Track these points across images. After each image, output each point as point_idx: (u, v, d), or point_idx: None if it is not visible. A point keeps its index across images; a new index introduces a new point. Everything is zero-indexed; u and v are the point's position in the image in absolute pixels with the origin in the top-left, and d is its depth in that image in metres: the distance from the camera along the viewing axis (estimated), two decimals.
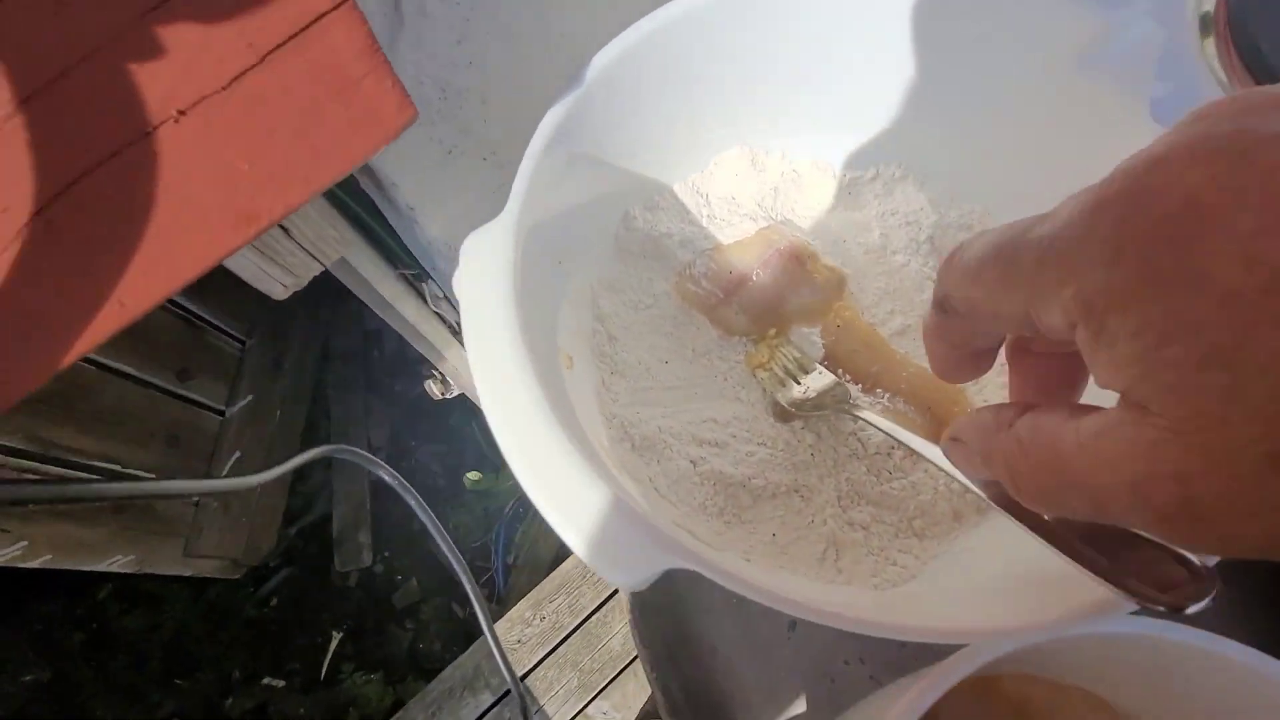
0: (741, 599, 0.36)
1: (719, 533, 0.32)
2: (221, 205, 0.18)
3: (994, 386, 0.34)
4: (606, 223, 0.36)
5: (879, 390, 0.36)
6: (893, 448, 0.33)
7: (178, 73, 0.19)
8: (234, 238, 0.18)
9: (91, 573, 1.18)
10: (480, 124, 0.35)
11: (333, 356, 1.81)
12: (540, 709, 1.22)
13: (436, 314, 0.76)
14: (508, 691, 1.24)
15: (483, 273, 0.25)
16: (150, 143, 0.17)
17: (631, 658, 1.25)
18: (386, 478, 0.47)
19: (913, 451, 0.33)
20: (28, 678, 1.23)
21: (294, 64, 0.21)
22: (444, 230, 0.38)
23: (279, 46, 0.20)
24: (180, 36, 0.20)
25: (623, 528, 0.20)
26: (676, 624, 0.35)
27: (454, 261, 0.44)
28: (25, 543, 1.08)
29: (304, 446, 1.77)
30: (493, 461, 1.68)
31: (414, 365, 1.91)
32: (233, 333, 1.50)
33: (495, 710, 1.23)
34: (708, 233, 0.38)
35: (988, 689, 0.26)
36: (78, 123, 0.17)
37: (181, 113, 0.18)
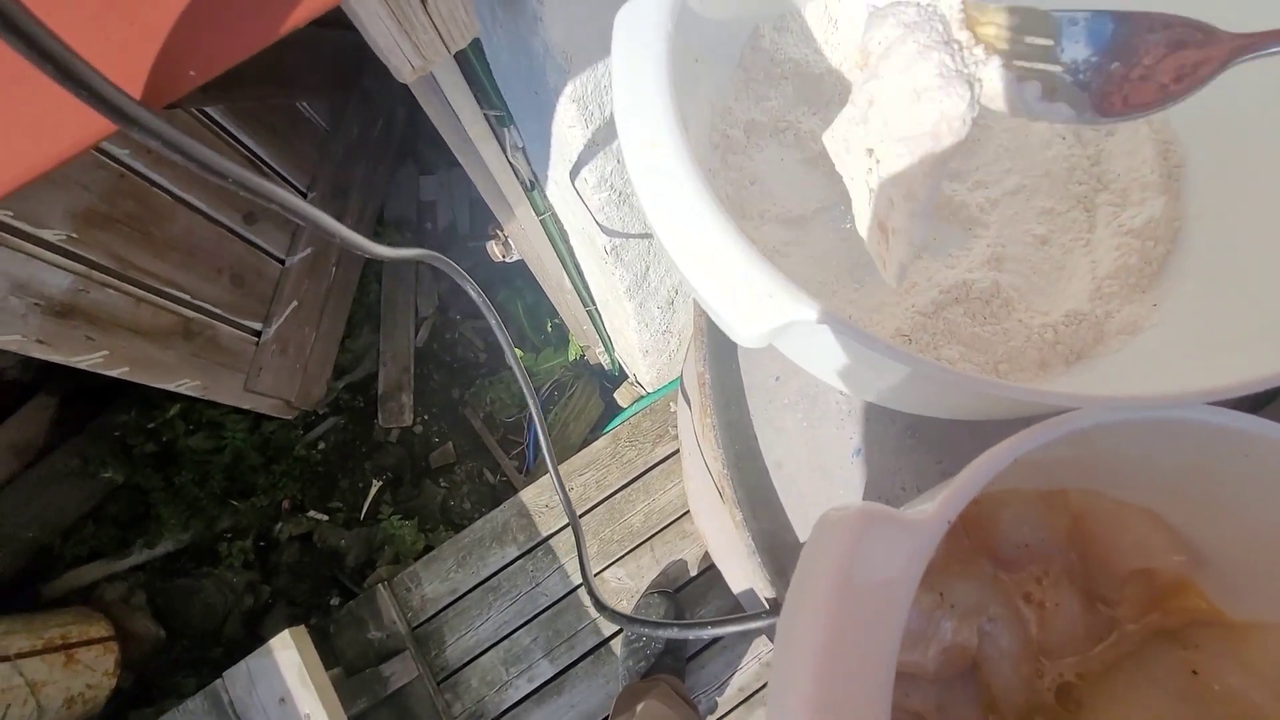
0: (813, 425, 0.38)
1: None
2: None
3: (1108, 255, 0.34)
4: (736, 35, 0.35)
5: None
6: (992, 295, 0.34)
7: None
8: None
9: (162, 391, 1.27)
10: None
11: (387, 223, 1.84)
12: (560, 566, 1.32)
13: (511, 165, 0.76)
14: (533, 547, 1.33)
15: (636, 42, 0.25)
16: None
17: (649, 534, 1.33)
18: (471, 291, 0.49)
19: (1010, 299, 0.33)
20: (105, 474, 1.36)
21: None
22: (565, 35, 0.38)
23: None
24: None
25: (763, 280, 0.22)
26: (750, 439, 0.38)
27: (567, 76, 0.44)
28: (106, 352, 1.16)
29: (355, 307, 1.82)
30: (533, 342, 1.73)
31: (465, 241, 1.92)
32: (295, 183, 1.52)
33: (519, 563, 1.33)
34: (829, 63, 0.37)
35: (1055, 500, 0.28)
36: None
37: None
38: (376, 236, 1.81)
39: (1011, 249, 0.36)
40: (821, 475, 0.36)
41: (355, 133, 1.65)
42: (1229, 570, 0.26)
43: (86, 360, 1.14)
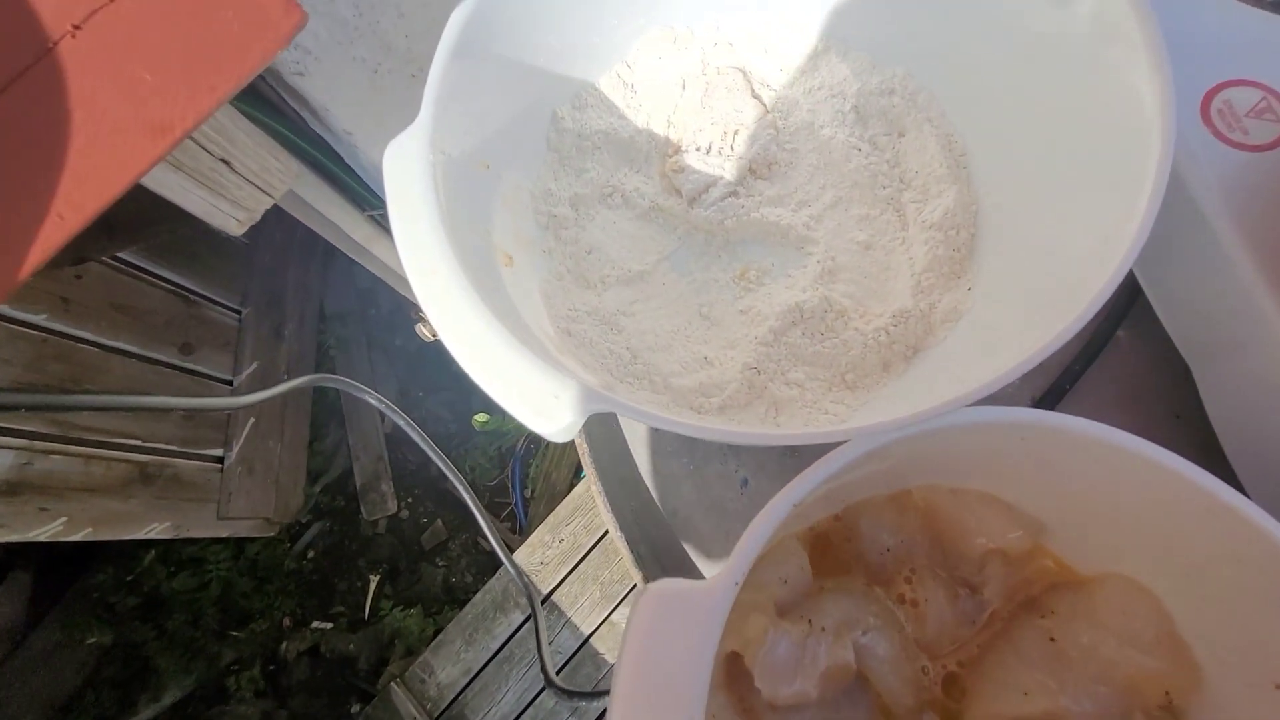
0: (698, 466, 0.39)
1: (665, 406, 0.34)
2: (133, 117, 0.19)
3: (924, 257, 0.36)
4: (535, 124, 0.37)
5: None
6: (825, 310, 0.35)
7: None
8: (152, 148, 0.20)
9: (134, 541, 1.25)
10: (401, 39, 0.35)
11: (330, 318, 1.84)
12: (568, 620, 1.31)
13: None
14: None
15: (404, 177, 0.27)
16: (53, 59, 0.19)
17: None
18: (372, 400, 0.50)
19: (844, 309, 0.35)
20: (91, 639, 1.33)
21: None
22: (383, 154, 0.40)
23: None
24: None
25: (546, 382, 0.23)
26: (641, 495, 0.39)
27: None
28: (65, 519, 1.14)
29: (315, 408, 1.80)
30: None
31: (412, 321, 1.93)
32: (227, 304, 1.52)
33: (527, 626, 1.32)
34: (636, 125, 0.39)
35: (903, 500, 0.29)
36: None
37: (77, 27, 0.19)
38: (322, 334, 1.81)
39: (841, 259, 0.37)
40: (716, 512, 0.37)
41: (277, 239, 1.66)
42: (1068, 532, 0.27)
43: (46, 531, 1.12)
